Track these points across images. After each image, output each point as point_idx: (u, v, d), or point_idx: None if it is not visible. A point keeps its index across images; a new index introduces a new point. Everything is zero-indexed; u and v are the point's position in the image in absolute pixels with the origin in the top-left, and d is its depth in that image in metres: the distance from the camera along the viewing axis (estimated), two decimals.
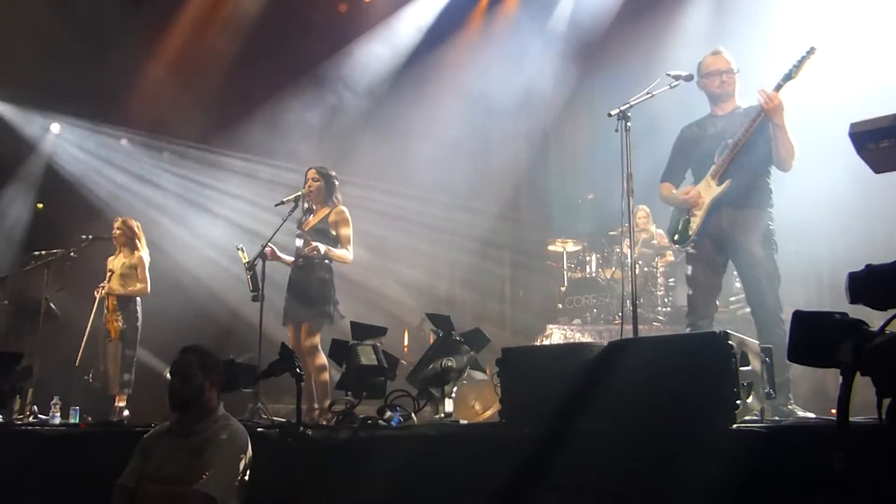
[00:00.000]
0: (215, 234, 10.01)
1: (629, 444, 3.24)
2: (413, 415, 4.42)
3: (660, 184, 5.33)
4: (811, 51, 4.62)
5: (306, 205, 6.60)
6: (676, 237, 5.09)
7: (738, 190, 4.82)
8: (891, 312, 1.82)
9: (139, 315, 7.68)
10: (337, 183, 6.61)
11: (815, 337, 1.87)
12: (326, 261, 6.35)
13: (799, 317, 1.92)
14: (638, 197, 4.90)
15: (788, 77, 4.65)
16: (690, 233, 4.96)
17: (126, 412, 7.39)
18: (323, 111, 10.67)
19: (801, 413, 4.45)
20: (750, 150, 4.80)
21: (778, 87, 4.67)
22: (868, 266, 1.86)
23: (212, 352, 4.00)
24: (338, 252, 6.32)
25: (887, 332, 1.80)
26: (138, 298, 7.68)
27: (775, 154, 4.79)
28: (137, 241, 7.79)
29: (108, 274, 7.66)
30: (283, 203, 6.49)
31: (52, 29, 9.51)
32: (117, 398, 7.47)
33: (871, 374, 1.73)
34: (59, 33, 9.55)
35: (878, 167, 3.25)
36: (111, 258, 7.83)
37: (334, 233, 6.38)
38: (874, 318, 1.86)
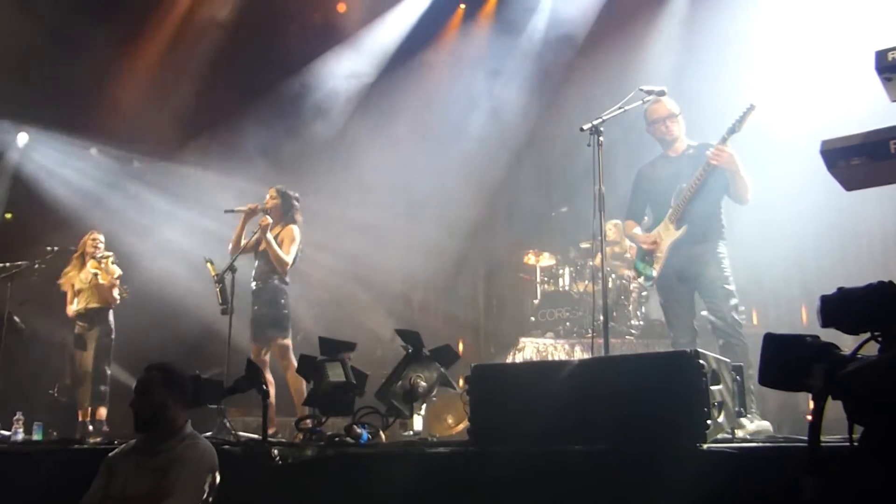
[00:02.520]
0: (185, 247, 9.87)
1: (598, 464, 3.20)
2: (381, 432, 4.34)
3: (624, 221, 5.81)
4: (751, 108, 4.97)
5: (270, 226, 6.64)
6: (642, 277, 5.58)
7: (693, 231, 5.23)
8: (862, 337, 1.80)
9: (113, 327, 7.65)
10: (297, 203, 6.74)
11: (786, 360, 1.83)
12: (282, 284, 6.60)
13: (770, 340, 1.88)
14: (611, 211, 4.93)
15: (732, 131, 5.01)
16: (654, 273, 5.40)
17: (106, 427, 7.30)
18: (297, 122, 10.61)
19: (754, 424, 4.48)
20: (701, 194, 5.20)
21: (723, 141, 5.04)
22: (840, 289, 1.82)
23: (176, 369, 3.91)
24: (277, 250, 6.49)
25: (859, 356, 1.77)
26: (112, 311, 7.64)
27: (734, 193, 5.20)
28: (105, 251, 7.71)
29: (75, 288, 7.63)
30: (232, 211, 6.59)
31: (21, 36, 9.37)
32: (97, 412, 7.40)
33: (843, 400, 1.70)
34: (28, 41, 9.42)
35: (850, 185, 3.26)
36: (71, 272, 7.75)
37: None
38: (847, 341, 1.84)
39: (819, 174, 3.24)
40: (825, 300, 1.82)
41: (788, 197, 6.28)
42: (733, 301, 5.12)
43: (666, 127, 5.41)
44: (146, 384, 3.82)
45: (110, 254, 7.65)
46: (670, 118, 5.41)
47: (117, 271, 7.60)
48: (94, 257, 7.58)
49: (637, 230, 5.59)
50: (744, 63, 7.71)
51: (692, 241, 5.24)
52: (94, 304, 7.56)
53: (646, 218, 5.68)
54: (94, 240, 7.74)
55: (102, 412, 7.37)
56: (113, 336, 7.64)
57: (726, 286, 5.14)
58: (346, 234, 9.84)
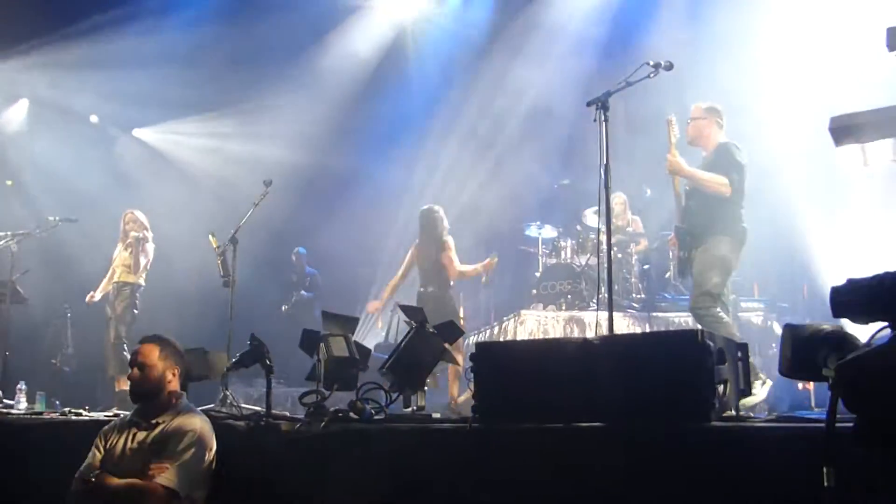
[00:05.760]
0: (189, 220, 9.84)
1: (603, 442, 3.19)
2: (385, 408, 4.34)
3: None
4: (668, 122, 5.55)
5: None
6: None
7: (690, 230, 5.64)
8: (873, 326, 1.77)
9: (137, 301, 8.02)
10: None
11: (805, 351, 1.81)
12: None
13: (790, 330, 1.86)
14: (614, 184, 4.86)
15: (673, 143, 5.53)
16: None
17: None
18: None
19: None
20: (690, 197, 5.64)
21: (669, 151, 5.51)
22: (850, 280, 1.80)
23: (172, 341, 3.90)
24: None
25: (873, 344, 1.74)
26: (138, 287, 8.06)
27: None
28: (146, 231, 8.15)
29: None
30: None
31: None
32: (119, 381, 7.67)
33: (844, 388, 1.68)
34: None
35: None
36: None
37: None
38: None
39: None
40: (835, 290, 1.80)
41: (794, 182, 6.35)
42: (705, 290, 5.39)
43: (690, 128, 5.74)
44: (142, 356, 3.81)
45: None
46: (691, 121, 5.73)
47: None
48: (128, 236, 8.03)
49: None
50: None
51: (691, 238, 5.61)
52: (122, 279, 7.98)
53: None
54: (130, 220, 8.14)
55: (124, 382, 7.50)
56: (136, 311, 7.99)
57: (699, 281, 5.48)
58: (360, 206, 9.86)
